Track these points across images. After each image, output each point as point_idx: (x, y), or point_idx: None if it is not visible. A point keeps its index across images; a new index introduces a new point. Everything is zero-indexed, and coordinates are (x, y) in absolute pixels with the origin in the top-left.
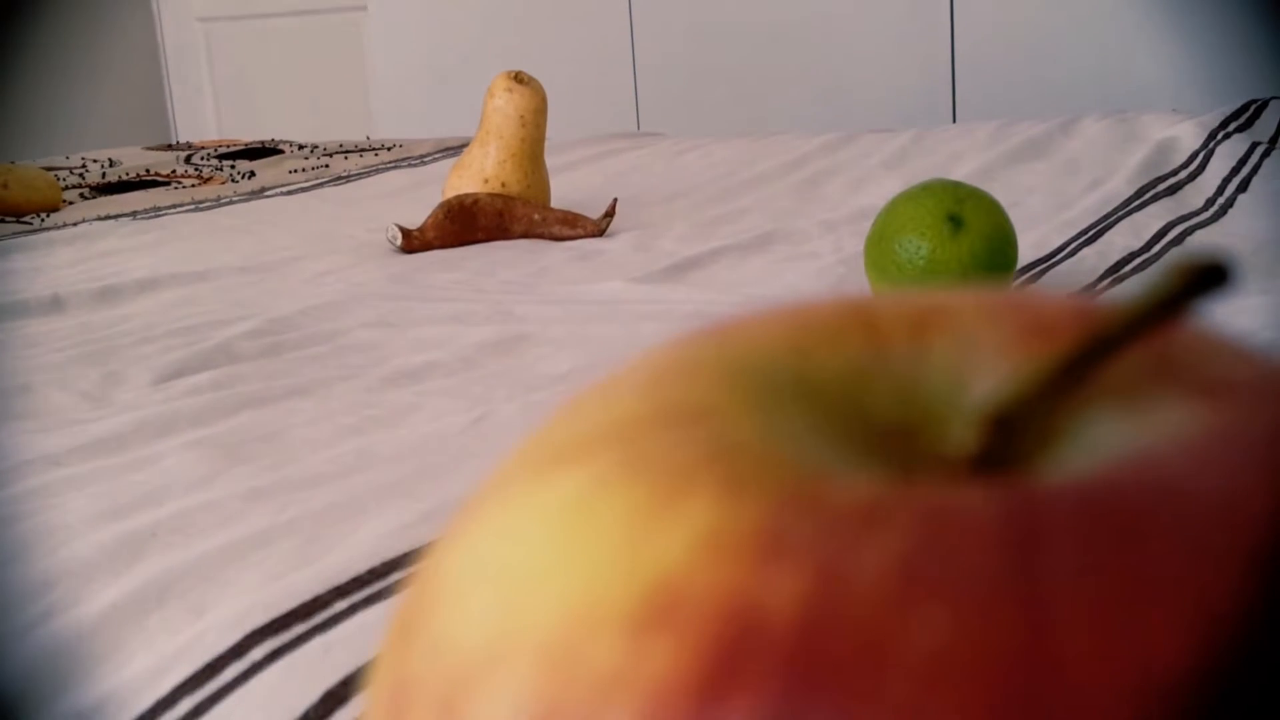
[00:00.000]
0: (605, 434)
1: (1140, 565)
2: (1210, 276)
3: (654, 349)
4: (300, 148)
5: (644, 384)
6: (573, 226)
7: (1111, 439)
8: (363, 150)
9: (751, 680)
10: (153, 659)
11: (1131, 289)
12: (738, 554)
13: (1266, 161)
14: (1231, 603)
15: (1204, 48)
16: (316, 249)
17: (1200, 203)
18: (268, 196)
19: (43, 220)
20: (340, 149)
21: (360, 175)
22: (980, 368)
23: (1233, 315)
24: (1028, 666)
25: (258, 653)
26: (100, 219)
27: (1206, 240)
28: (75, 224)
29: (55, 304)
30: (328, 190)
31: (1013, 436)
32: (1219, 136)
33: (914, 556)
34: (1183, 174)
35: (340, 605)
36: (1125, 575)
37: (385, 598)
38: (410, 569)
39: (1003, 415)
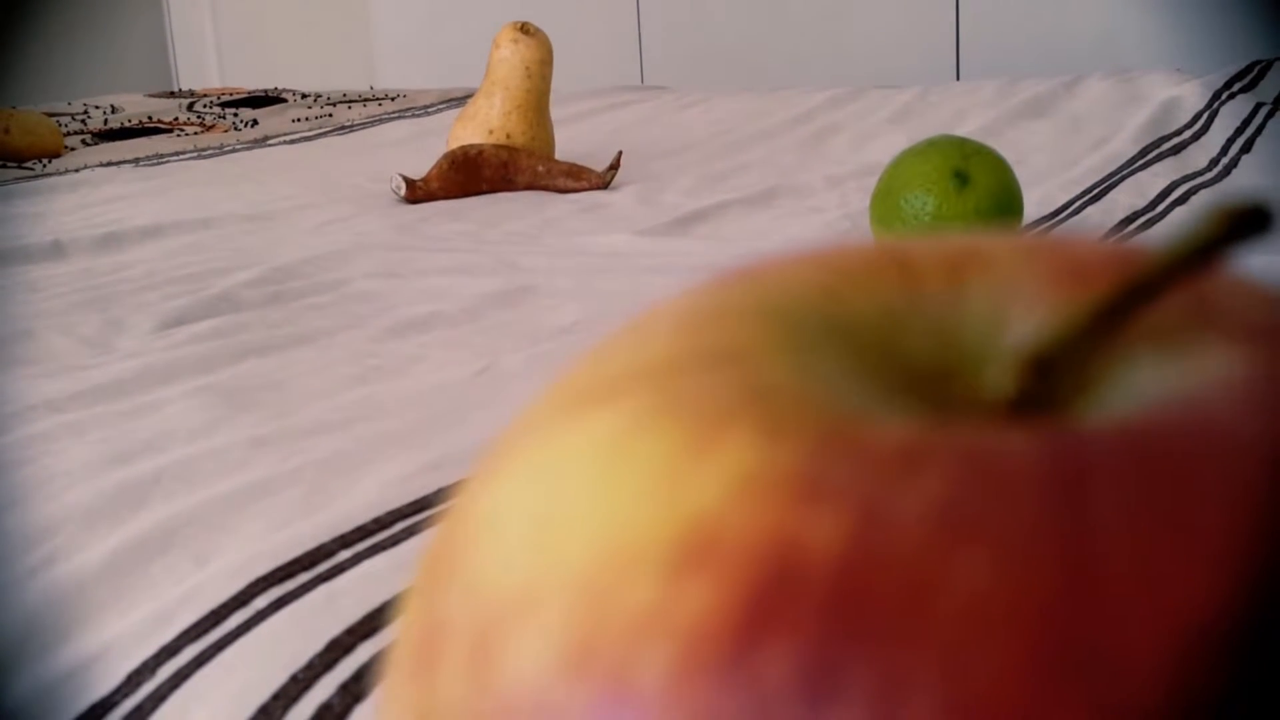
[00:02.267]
0: (639, 375)
1: (1184, 508)
2: (1250, 221)
3: (687, 291)
4: (303, 97)
5: (677, 326)
6: (577, 179)
7: (1152, 383)
8: (366, 100)
9: (790, 622)
10: (155, 607)
11: (1170, 234)
12: (776, 495)
13: (1270, 122)
14: (1273, 548)
15: (1209, 8)
16: (320, 198)
17: (1204, 163)
18: (271, 145)
19: (44, 166)
20: (344, 98)
21: (364, 125)
22: (1017, 310)
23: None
24: (1071, 611)
25: (261, 601)
26: (102, 165)
27: (1210, 201)
28: (77, 170)
29: (57, 250)
30: (331, 139)
31: (1051, 380)
32: (1223, 97)
33: (956, 498)
34: (1186, 134)
35: (344, 554)
36: (1170, 518)
37: (389, 547)
38: (415, 518)
39: (1042, 358)
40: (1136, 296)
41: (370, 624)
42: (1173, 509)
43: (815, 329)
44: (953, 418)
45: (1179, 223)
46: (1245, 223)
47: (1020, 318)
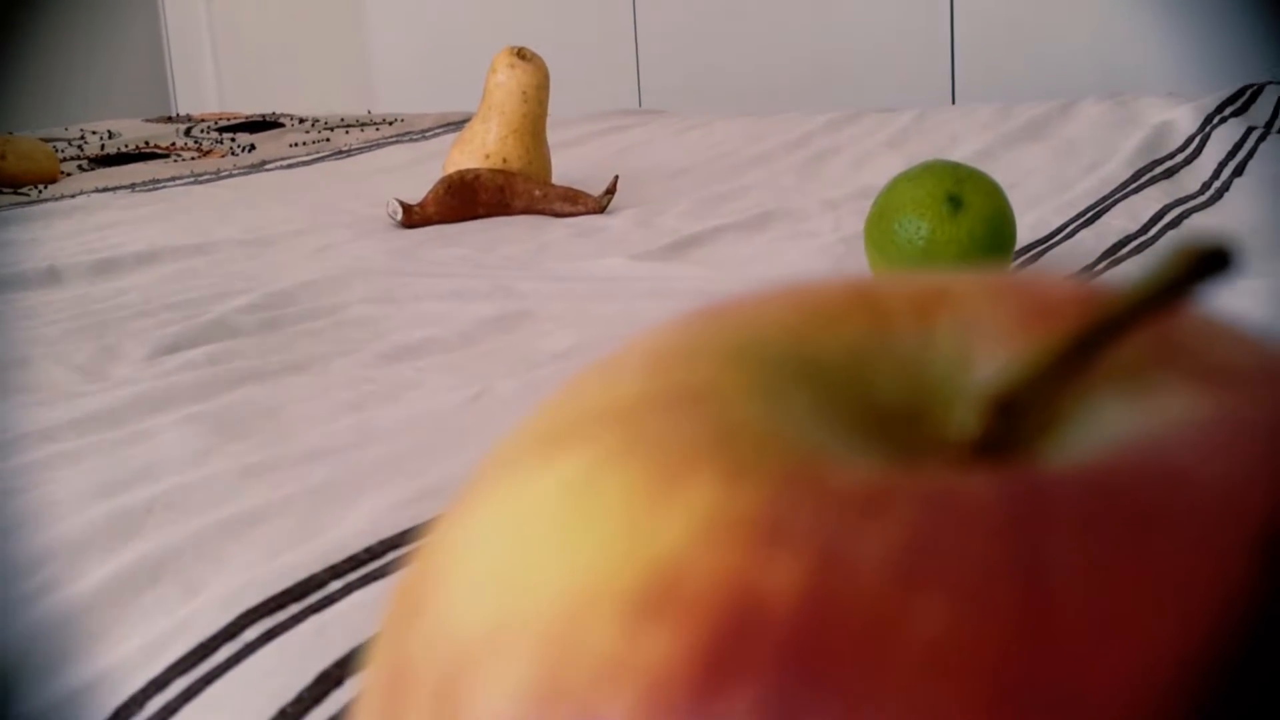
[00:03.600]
0: (606, 414)
1: (1143, 554)
2: (1213, 261)
3: (655, 329)
4: (301, 121)
5: (645, 364)
6: (574, 203)
7: (1115, 424)
8: (364, 124)
9: (751, 668)
10: (145, 638)
11: (1134, 272)
12: (738, 538)
13: (1262, 146)
14: (1234, 593)
15: (1201, 31)
16: (316, 223)
17: (1196, 186)
18: (268, 170)
19: (40, 192)
20: (341, 123)
21: (361, 149)
22: (983, 350)
23: (1230, 298)
24: (1030, 656)
25: (251, 633)
26: (98, 191)
27: (1203, 224)
28: (73, 196)
29: (52, 276)
30: (328, 164)
31: (1016, 420)
32: (1215, 120)
33: (916, 543)
34: (1179, 157)
35: (335, 585)
36: (1128, 564)
37: (381, 577)
38: (406, 548)
39: (1006, 399)
40: (1101, 336)
41: (360, 657)
42: (1131, 554)
43: (783, 369)
44: (917, 459)
45: (1166, 248)
46: (1209, 262)
47: (986, 357)
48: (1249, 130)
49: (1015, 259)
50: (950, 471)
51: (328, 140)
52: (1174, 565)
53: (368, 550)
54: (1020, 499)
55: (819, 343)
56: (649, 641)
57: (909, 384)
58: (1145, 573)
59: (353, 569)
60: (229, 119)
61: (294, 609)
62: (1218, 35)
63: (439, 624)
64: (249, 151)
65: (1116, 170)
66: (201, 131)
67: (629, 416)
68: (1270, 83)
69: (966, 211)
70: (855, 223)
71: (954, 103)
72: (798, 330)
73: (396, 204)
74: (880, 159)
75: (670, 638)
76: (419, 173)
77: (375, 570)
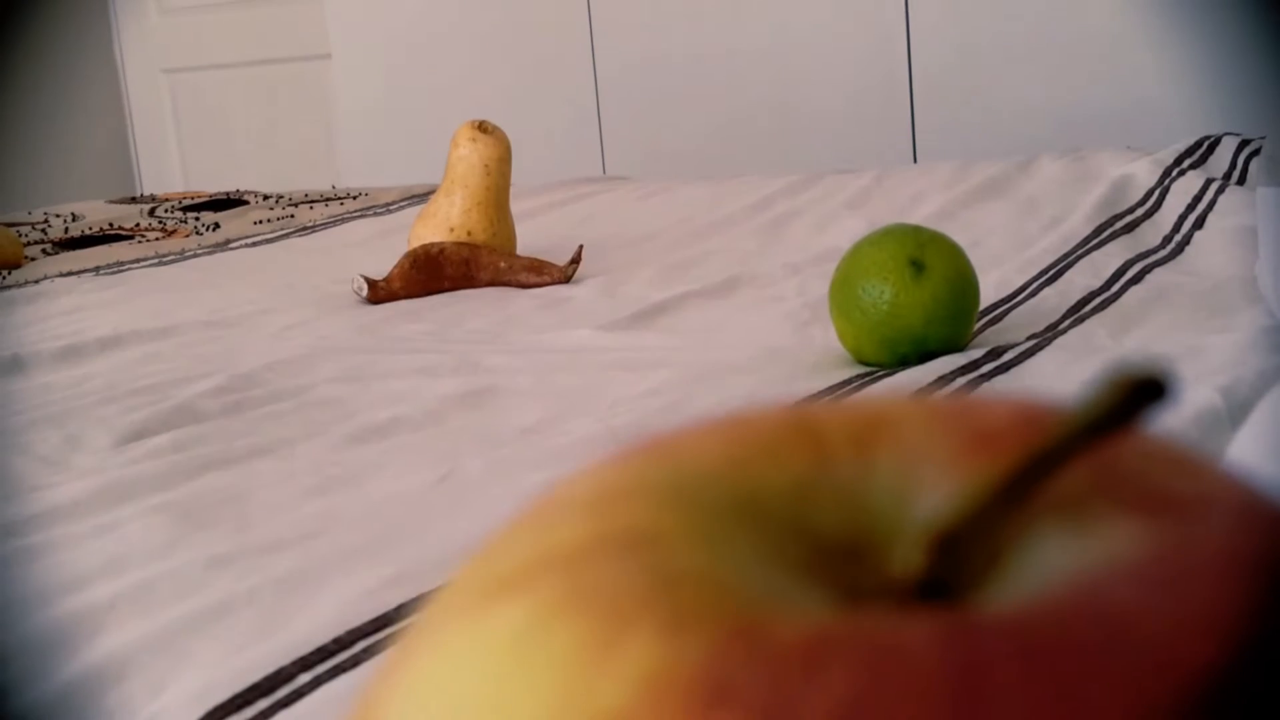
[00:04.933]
0: (547, 562)
1: (1081, 706)
2: (1148, 390)
3: (593, 466)
4: (265, 198)
5: (584, 506)
6: (539, 274)
7: (1056, 561)
8: (328, 199)
9: None
10: None
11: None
12: (680, 699)
13: (1221, 198)
14: None
15: (1159, 83)
16: (281, 302)
17: (1158, 240)
18: (233, 249)
19: (4, 278)
20: (306, 198)
21: (326, 225)
22: (925, 482)
23: (1192, 356)
24: None
25: None
26: (62, 275)
27: (1165, 279)
28: (37, 281)
29: (16, 364)
30: (293, 241)
31: (958, 558)
32: (1174, 173)
33: (858, 699)
34: (1139, 211)
35: (304, 678)
36: (1064, 713)
37: (350, 669)
38: (374, 637)
39: (947, 536)
40: (1041, 468)
41: None
42: (1070, 706)
43: (723, 507)
44: (860, 601)
45: (1100, 377)
46: (1144, 391)
47: (927, 489)
48: (1208, 182)
49: (979, 320)
50: (892, 617)
51: (292, 216)
52: (1112, 715)
53: (336, 641)
54: (961, 652)
55: (759, 478)
56: None
57: (850, 519)
58: None
59: (321, 660)
60: (193, 198)
61: (262, 705)
62: (1174, 87)
63: None
64: (213, 230)
65: (1077, 226)
66: (165, 211)
67: (570, 564)
68: (1227, 134)
69: (929, 274)
70: (819, 286)
71: (915, 156)
72: (738, 463)
73: (362, 280)
74: (842, 221)
75: None
76: (384, 247)
77: (344, 661)
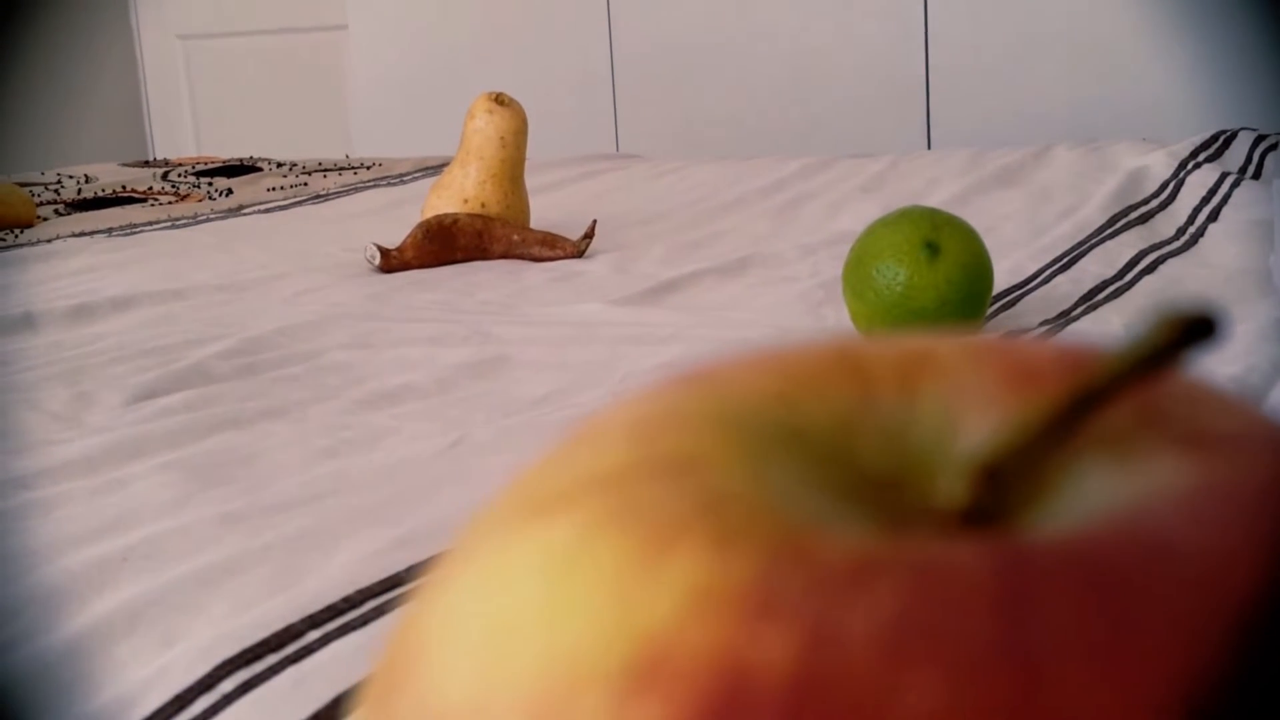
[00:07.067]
0: (592, 482)
1: (1130, 626)
2: (1198, 328)
3: (640, 393)
4: (279, 165)
5: (631, 431)
6: (552, 247)
7: (1101, 493)
8: (342, 169)
9: None
10: (121, 690)
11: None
12: (727, 611)
13: (1236, 191)
14: (1221, 662)
15: (1176, 77)
16: (294, 268)
17: (1171, 232)
18: (245, 214)
19: (17, 236)
20: (319, 167)
21: (339, 194)
22: (969, 416)
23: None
24: None
25: (228, 684)
26: (75, 235)
27: (1178, 270)
28: (49, 240)
29: (27, 322)
30: (306, 208)
31: (1003, 488)
32: (1189, 166)
33: (906, 617)
34: (1154, 203)
35: (313, 635)
36: (1116, 636)
37: (359, 628)
38: (384, 597)
39: (992, 467)
40: (1087, 403)
41: (337, 709)
42: (1119, 624)
43: (769, 436)
44: (905, 528)
45: (1151, 314)
46: (1193, 329)
47: (972, 424)
48: (1223, 175)
49: (992, 304)
50: (938, 541)
51: (305, 184)
52: (1160, 639)
53: (345, 600)
54: (1009, 572)
55: (804, 409)
56: (639, 716)
57: (895, 452)
58: (1132, 646)
59: (330, 619)
60: (206, 163)
61: (271, 660)
62: (1191, 81)
63: (423, 695)
64: (226, 196)
65: (1091, 216)
66: (178, 176)
67: (616, 484)
68: (1243, 129)
69: (944, 257)
70: (832, 268)
71: (929, 148)
72: (782, 396)
73: (374, 248)
74: (856, 204)
75: (660, 712)
76: (397, 217)
77: (353, 620)
